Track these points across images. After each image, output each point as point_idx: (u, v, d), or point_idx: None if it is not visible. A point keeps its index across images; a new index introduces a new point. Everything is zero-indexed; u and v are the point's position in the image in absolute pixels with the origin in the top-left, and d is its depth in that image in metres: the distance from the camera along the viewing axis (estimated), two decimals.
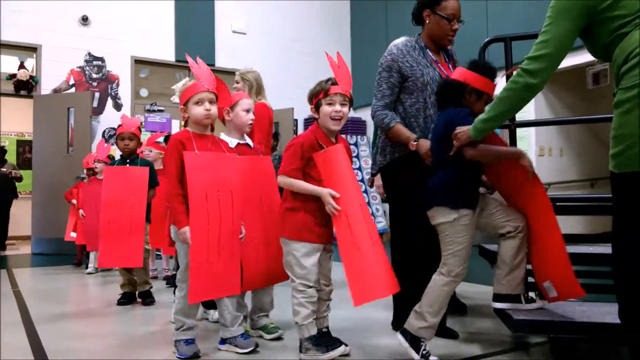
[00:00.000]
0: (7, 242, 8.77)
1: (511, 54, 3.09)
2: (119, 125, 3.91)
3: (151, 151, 4.95)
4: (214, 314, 3.11)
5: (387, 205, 9.15)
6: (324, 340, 2.37)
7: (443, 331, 2.64)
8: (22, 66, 7.85)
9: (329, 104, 2.37)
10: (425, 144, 2.50)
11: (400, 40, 2.94)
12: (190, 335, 2.47)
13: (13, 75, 7.76)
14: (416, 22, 2.82)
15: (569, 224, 3.18)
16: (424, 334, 2.20)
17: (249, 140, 2.83)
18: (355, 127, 9.79)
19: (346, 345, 2.40)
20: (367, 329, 2.93)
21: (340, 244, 2.24)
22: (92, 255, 5.52)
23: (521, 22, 6.59)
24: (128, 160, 3.85)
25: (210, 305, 3.12)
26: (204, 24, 9.05)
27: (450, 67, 2.77)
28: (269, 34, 9.42)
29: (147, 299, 3.80)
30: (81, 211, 5.55)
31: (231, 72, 9.31)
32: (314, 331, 2.34)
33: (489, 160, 2.28)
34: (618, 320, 1.63)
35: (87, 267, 5.62)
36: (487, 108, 2.11)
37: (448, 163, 2.23)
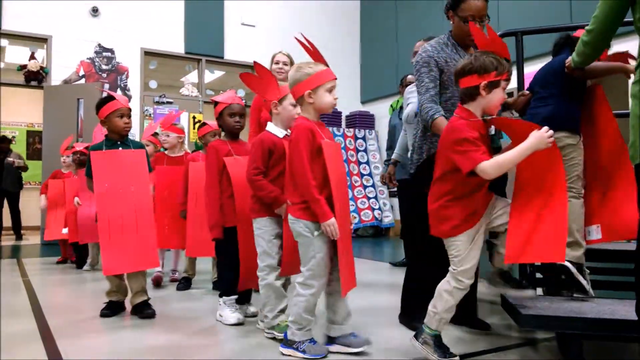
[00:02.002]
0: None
1: (522, 48, 3.07)
2: (107, 100, 3.14)
3: (168, 136, 4.28)
4: (249, 308, 3.07)
5: (394, 200, 9.16)
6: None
7: (474, 323, 2.70)
8: (32, 57, 7.89)
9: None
10: None
11: (418, 44, 2.93)
12: (311, 335, 2.36)
13: (24, 66, 7.80)
14: (449, 19, 2.80)
15: None
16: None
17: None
18: (364, 121, 9.79)
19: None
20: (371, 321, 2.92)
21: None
22: (91, 250, 5.04)
23: (532, 16, 6.54)
24: (119, 143, 3.17)
25: (243, 299, 3.05)
26: (213, 16, 9.05)
27: None
28: (278, 27, 9.40)
29: (147, 310, 3.10)
30: (77, 199, 4.85)
31: (239, 65, 9.37)
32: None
33: (597, 75, 2.57)
34: (629, 317, 1.62)
35: (78, 265, 5.17)
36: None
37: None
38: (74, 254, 5.34)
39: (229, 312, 2.88)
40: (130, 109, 3.19)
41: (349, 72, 10.06)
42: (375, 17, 10.10)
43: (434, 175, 2.21)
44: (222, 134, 3.21)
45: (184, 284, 4.02)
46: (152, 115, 8.42)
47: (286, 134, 2.67)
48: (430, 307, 2.19)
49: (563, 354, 2.30)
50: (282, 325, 2.53)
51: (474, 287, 2.44)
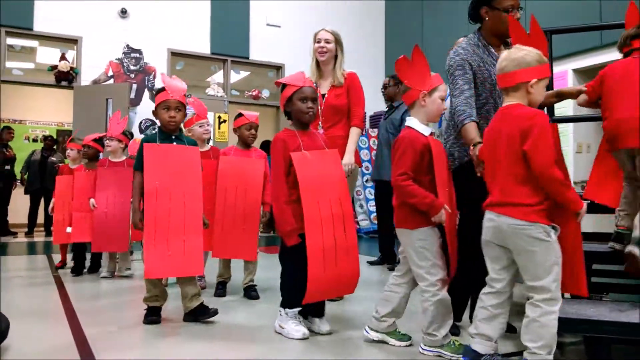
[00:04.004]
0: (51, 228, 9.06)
1: (551, 47, 3.03)
2: (159, 91, 2.99)
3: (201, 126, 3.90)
4: (320, 325, 2.69)
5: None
6: None
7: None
8: (63, 58, 8.07)
9: None
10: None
11: (461, 40, 2.86)
12: None
13: (54, 67, 7.98)
14: (473, 21, 2.73)
15: (605, 223, 3.10)
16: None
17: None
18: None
19: None
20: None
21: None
22: (104, 256, 4.53)
23: (561, 15, 6.44)
24: (174, 137, 2.92)
25: (316, 313, 2.72)
26: (239, 16, 9.13)
27: None
28: (303, 28, 9.40)
29: (209, 310, 2.88)
30: (92, 201, 4.29)
31: (265, 65, 9.43)
32: None
33: None
34: None
35: (76, 270, 4.56)
36: None
37: None
38: (73, 256, 4.63)
39: (293, 326, 2.59)
40: (179, 102, 2.89)
41: (373, 73, 10.03)
42: (400, 18, 10.06)
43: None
44: (290, 123, 2.74)
45: (221, 289, 3.66)
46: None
47: (432, 132, 2.39)
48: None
49: (591, 358, 2.27)
50: (456, 346, 2.31)
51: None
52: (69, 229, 4.59)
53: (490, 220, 2.08)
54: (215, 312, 2.87)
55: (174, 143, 2.88)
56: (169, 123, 2.87)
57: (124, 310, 3.28)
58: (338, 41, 3.56)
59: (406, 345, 2.45)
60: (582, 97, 2.69)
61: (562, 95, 2.78)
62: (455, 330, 2.57)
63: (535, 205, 1.96)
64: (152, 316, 2.86)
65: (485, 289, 2.14)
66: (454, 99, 2.58)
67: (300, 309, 2.60)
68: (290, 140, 2.58)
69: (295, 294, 2.53)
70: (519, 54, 2.04)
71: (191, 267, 2.83)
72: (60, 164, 5.93)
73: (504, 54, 2.10)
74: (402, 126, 4.82)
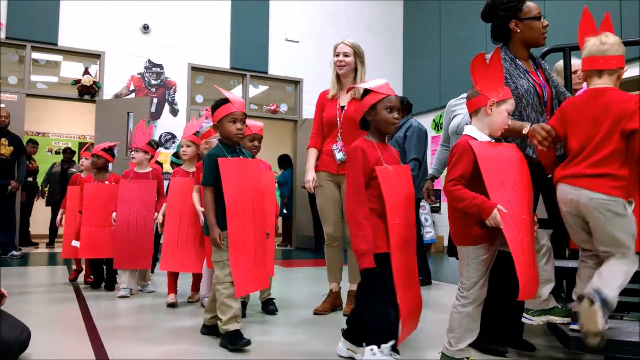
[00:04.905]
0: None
1: (570, 64, 3.02)
2: (219, 104, 2.83)
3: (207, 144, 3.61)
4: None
5: (436, 216, 9.03)
6: None
7: (520, 344, 2.63)
8: (86, 72, 8.23)
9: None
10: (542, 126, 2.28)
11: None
12: None
13: (78, 81, 8.15)
14: (497, 39, 2.70)
15: None
16: None
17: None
18: None
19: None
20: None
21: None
22: (124, 275, 4.17)
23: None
24: (238, 150, 2.88)
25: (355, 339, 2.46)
26: (258, 32, 9.25)
27: (539, 74, 2.66)
28: (321, 43, 9.49)
29: (244, 338, 2.64)
30: (114, 214, 4.08)
31: (283, 80, 9.51)
32: None
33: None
34: None
35: (95, 284, 4.47)
36: None
37: None
38: (91, 270, 4.55)
39: None
40: (244, 114, 2.84)
41: (391, 87, 10.04)
42: (418, 33, 10.09)
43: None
44: (367, 133, 2.47)
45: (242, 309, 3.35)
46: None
47: (490, 142, 2.26)
48: None
49: None
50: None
51: (520, 308, 2.39)
52: (75, 243, 4.40)
53: (569, 192, 2.17)
54: (247, 343, 2.63)
55: (240, 156, 2.84)
56: (236, 135, 2.80)
57: (143, 322, 3.30)
58: (357, 54, 3.55)
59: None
60: None
61: None
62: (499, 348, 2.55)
63: (620, 180, 2.08)
64: (242, 339, 2.63)
65: (583, 255, 2.24)
66: None
67: (393, 342, 2.25)
68: (369, 151, 2.34)
69: (387, 325, 2.25)
70: (618, 40, 2.18)
71: (265, 280, 2.89)
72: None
73: (603, 37, 2.21)
74: (406, 144, 4.83)
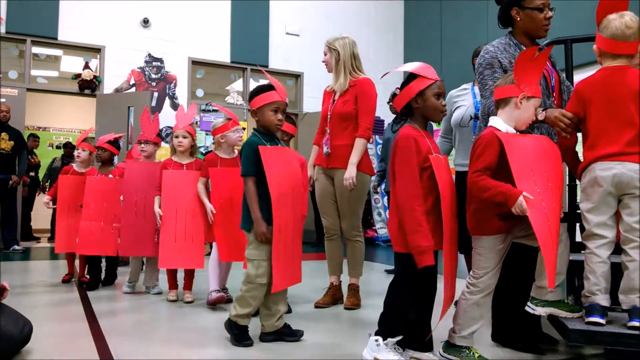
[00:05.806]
0: None
1: (572, 56, 3.01)
2: (264, 88, 2.65)
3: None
4: None
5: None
6: None
7: (540, 338, 2.59)
8: (86, 66, 8.22)
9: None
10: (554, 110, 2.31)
11: (494, 41, 2.84)
12: None
13: (78, 75, 8.14)
14: (503, 25, 2.72)
15: None
16: None
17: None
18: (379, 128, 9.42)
19: None
20: None
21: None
22: (132, 264, 4.06)
23: (582, 24, 6.37)
24: (276, 139, 2.75)
25: (425, 346, 2.32)
26: (258, 25, 9.22)
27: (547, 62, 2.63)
28: (322, 36, 9.43)
29: (294, 330, 2.70)
30: (121, 198, 3.91)
31: (284, 74, 9.48)
32: None
33: None
34: None
35: (91, 286, 4.10)
36: None
37: None
38: (88, 270, 4.22)
39: (394, 357, 2.20)
40: (287, 105, 2.70)
41: (392, 81, 10.02)
42: (419, 27, 10.05)
43: None
44: (409, 120, 2.32)
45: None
46: (198, 123, 8.60)
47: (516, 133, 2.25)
48: None
49: None
50: (475, 357, 2.24)
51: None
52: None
53: (612, 167, 2.14)
54: (301, 334, 2.65)
55: (278, 145, 2.71)
56: (276, 126, 2.65)
57: (146, 317, 3.31)
58: (332, 49, 3.54)
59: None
60: None
61: None
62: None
63: None
64: (247, 338, 2.61)
65: (593, 245, 2.19)
66: (485, 100, 2.57)
67: (401, 337, 2.23)
68: (421, 140, 2.21)
69: (402, 321, 2.24)
70: None
71: (298, 275, 2.75)
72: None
73: (629, 21, 2.16)
74: None
